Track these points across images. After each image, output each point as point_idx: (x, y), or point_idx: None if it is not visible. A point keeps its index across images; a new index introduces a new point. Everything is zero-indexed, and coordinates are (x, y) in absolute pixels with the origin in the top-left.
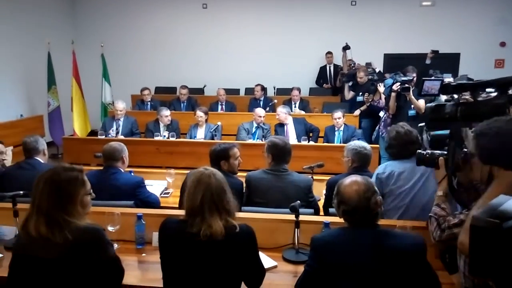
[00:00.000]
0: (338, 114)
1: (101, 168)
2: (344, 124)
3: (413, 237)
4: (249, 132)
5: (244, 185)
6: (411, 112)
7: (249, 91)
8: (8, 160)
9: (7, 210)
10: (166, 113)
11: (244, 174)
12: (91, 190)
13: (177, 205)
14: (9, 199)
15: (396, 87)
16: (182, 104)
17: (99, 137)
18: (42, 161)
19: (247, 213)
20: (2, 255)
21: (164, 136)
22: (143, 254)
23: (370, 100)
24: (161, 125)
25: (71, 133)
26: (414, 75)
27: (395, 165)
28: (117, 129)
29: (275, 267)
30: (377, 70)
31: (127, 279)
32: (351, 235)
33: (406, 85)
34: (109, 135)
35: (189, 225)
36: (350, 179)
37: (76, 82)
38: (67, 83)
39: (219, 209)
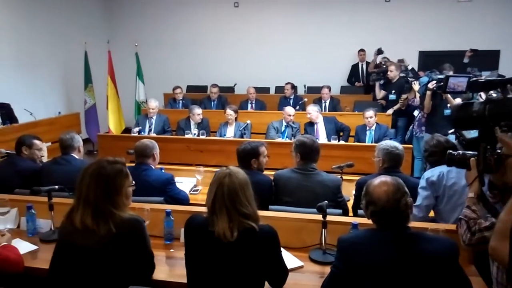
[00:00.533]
0: (369, 113)
1: (133, 164)
2: (376, 123)
3: (445, 241)
4: (279, 131)
5: (272, 183)
6: (447, 111)
7: (279, 89)
8: (45, 156)
9: (43, 204)
10: (198, 111)
11: (273, 172)
12: (133, 182)
13: (205, 202)
14: (44, 194)
15: (431, 85)
16: (212, 103)
17: (132, 134)
18: (77, 157)
19: (274, 212)
20: (37, 247)
21: (195, 134)
22: (171, 250)
23: (406, 103)
24: (192, 123)
25: (106, 130)
26: (451, 72)
27: (440, 168)
28: (149, 126)
29: (302, 267)
30: (409, 67)
31: (155, 274)
32: (378, 237)
33: (442, 83)
34: (142, 133)
35: (210, 223)
36: (380, 180)
37: (112, 81)
38: (103, 82)
39: (228, 210)
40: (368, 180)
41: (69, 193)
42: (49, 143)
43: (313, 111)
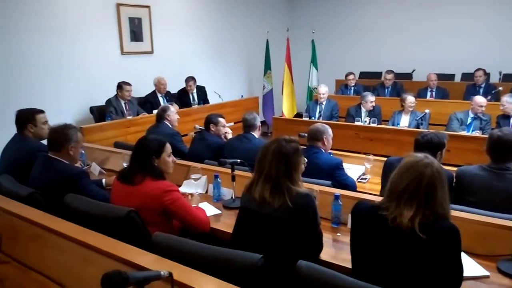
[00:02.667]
0: None
1: (304, 147)
2: None
3: None
4: (463, 123)
5: (454, 180)
6: None
7: (466, 76)
8: (229, 133)
9: (227, 175)
10: (371, 98)
11: (454, 168)
12: (306, 160)
13: (372, 192)
14: (228, 165)
15: None
16: (386, 90)
17: (303, 119)
18: (256, 136)
19: (454, 212)
20: (220, 212)
21: (365, 121)
22: (338, 234)
23: None
24: (363, 110)
25: (280, 114)
26: None
27: None
28: (319, 112)
29: (487, 277)
30: None
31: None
32: None
33: None
34: (313, 118)
35: (382, 207)
36: None
37: (288, 67)
38: (280, 68)
39: (420, 203)
40: None
41: (248, 167)
42: (232, 123)
43: (508, 103)
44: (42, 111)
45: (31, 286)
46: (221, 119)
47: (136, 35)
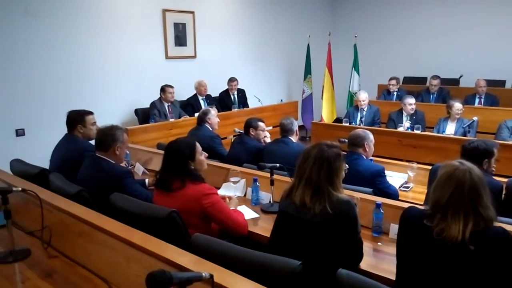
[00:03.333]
0: None
1: (345, 153)
2: None
3: None
4: None
5: (504, 191)
6: None
7: None
8: (268, 137)
9: (266, 179)
10: (410, 101)
11: (504, 179)
12: (347, 166)
13: (416, 201)
14: (267, 170)
15: None
16: (431, 96)
17: (343, 124)
18: (294, 140)
19: (503, 225)
20: (259, 216)
21: (408, 127)
22: (379, 243)
23: None
24: (404, 114)
25: (319, 119)
26: None
27: None
28: (361, 118)
29: None
30: None
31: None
32: None
33: None
34: (353, 123)
35: (428, 217)
36: None
37: (329, 72)
38: (320, 73)
39: (466, 212)
40: None
41: (287, 172)
42: (271, 127)
43: None
44: (91, 113)
45: (77, 280)
46: (260, 124)
47: (180, 40)
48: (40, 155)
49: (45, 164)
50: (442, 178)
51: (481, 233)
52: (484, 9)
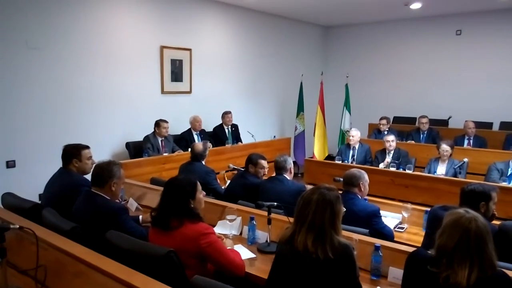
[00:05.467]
0: None
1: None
2: None
3: None
4: (503, 174)
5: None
6: None
7: (505, 125)
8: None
9: (263, 217)
10: (388, 138)
11: (496, 222)
12: (344, 208)
13: (411, 242)
14: (265, 208)
15: None
16: (421, 135)
17: (336, 161)
18: (288, 178)
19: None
20: (255, 256)
21: (389, 163)
22: (378, 287)
23: None
24: (387, 152)
25: (311, 155)
26: None
27: None
28: (352, 156)
29: None
30: None
31: None
32: None
33: None
34: (346, 161)
35: (434, 261)
36: None
37: (321, 110)
38: (312, 110)
39: (472, 258)
40: None
41: (283, 211)
42: None
43: None
44: (87, 147)
45: None
46: (261, 161)
47: (177, 76)
48: (30, 188)
49: (35, 197)
50: (448, 225)
51: (486, 279)
52: (472, 53)
